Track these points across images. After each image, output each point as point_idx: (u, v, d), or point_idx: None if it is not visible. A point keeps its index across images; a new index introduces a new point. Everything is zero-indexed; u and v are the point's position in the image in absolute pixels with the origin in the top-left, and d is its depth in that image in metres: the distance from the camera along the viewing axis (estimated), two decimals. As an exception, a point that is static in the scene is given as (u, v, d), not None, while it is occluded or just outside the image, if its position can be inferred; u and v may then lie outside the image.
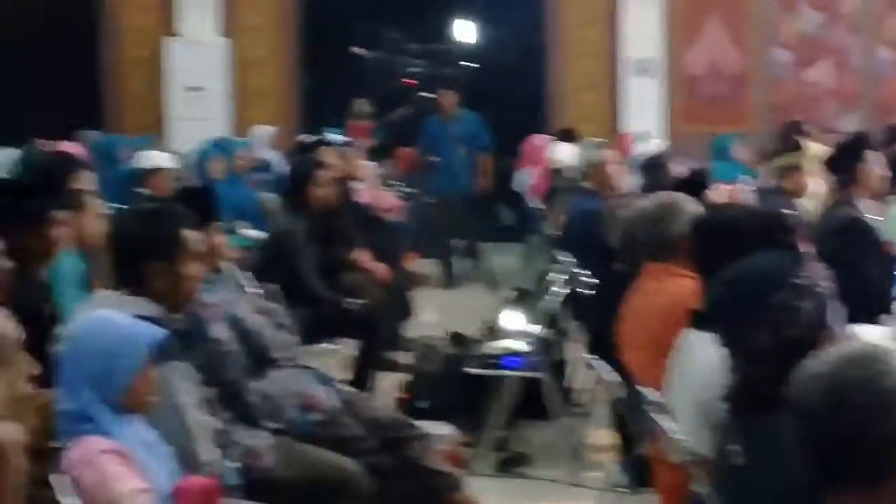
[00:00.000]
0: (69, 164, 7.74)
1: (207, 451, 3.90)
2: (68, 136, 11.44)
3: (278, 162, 12.16)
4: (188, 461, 3.74)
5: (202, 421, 3.95)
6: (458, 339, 7.52)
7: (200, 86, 14.50)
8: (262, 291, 5.86)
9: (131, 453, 3.38)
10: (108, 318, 3.59)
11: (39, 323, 3.84)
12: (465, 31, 15.55)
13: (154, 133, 13.68)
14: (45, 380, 3.46)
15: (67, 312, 5.18)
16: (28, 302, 4.29)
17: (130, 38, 14.87)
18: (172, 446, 3.67)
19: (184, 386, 3.89)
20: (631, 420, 4.77)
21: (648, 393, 4.21)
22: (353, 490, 4.43)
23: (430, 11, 15.63)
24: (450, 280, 12.08)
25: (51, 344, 3.58)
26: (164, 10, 14.76)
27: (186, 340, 3.99)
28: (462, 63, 14.57)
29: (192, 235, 4.22)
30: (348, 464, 4.48)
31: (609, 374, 4.92)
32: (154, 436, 3.60)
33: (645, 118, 14.55)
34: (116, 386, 3.44)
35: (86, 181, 6.80)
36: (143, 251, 4.12)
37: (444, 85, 12.93)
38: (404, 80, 14.37)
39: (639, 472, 5.33)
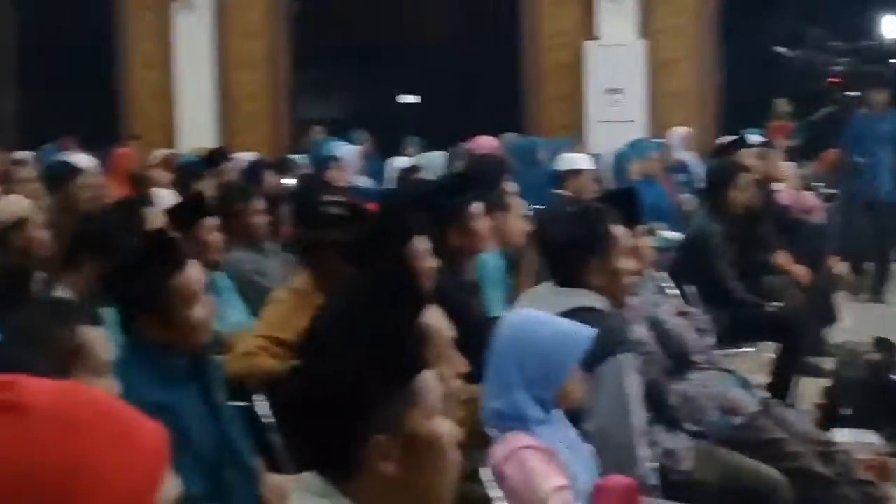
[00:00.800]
0: (492, 165, 7.99)
1: (642, 447, 3.93)
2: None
3: (695, 163, 12.09)
4: (619, 457, 3.79)
5: (643, 415, 4.00)
6: (884, 345, 7.25)
7: (619, 88, 14.60)
8: (680, 293, 5.85)
9: (555, 450, 3.44)
10: (543, 318, 3.64)
11: (468, 320, 3.96)
12: (893, 26, 14.98)
13: (574, 135, 13.87)
14: (471, 376, 3.56)
15: (492, 310, 5.35)
16: (456, 299, 4.44)
17: (552, 42, 15.14)
18: (607, 440, 3.72)
19: (631, 378, 3.95)
20: None
21: None
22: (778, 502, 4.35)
23: (855, 8, 15.16)
24: (877, 284, 11.65)
25: (479, 341, 3.67)
26: (585, 15, 14.94)
27: (616, 336, 4.03)
28: (891, 60, 14.05)
29: (621, 231, 4.30)
30: (775, 475, 4.40)
31: None
32: (577, 435, 3.66)
33: None
34: (551, 385, 3.50)
35: (507, 182, 6.98)
36: (580, 250, 4.21)
37: (874, 83, 12.46)
38: (829, 78, 14.00)
39: None
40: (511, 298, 5.58)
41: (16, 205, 6.29)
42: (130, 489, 1.39)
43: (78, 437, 1.38)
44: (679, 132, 13.11)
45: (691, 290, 6.72)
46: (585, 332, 3.54)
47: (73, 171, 8.34)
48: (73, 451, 1.37)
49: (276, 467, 3.99)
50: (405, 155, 12.60)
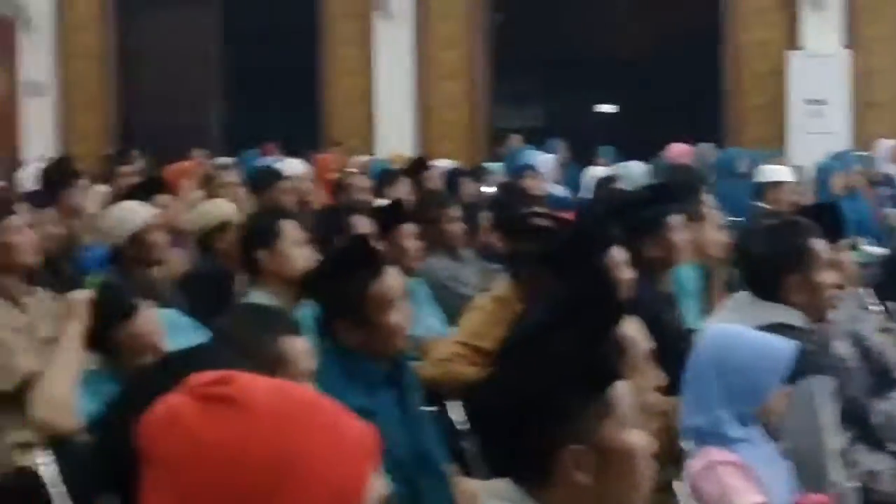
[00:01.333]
0: (688, 176, 7.91)
1: (837, 471, 3.85)
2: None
3: (902, 177, 11.79)
4: (813, 478, 3.71)
5: (837, 440, 3.91)
6: None
7: (822, 98, 14.31)
8: (883, 309, 5.70)
9: (753, 467, 3.38)
10: (744, 333, 3.59)
11: (665, 333, 3.92)
12: None
13: (775, 146, 13.64)
14: (668, 388, 3.52)
15: (688, 322, 5.28)
16: (653, 311, 4.40)
17: (754, 51, 14.93)
18: (800, 460, 3.65)
19: (825, 402, 3.87)
20: None
21: None
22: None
23: None
24: None
25: (676, 354, 3.63)
26: (788, 24, 14.70)
27: (814, 356, 3.96)
28: None
29: (822, 245, 4.23)
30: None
31: None
32: (775, 451, 3.59)
33: None
34: (754, 402, 3.44)
35: (705, 193, 6.90)
36: (778, 264, 4.15)
37: None
38: None
39: None
40: (706, 311, 5.51)
41: (219, 208, 6.46)
42: (339, 483, 1.43)
43: (291, 431, 1.43)
44: (885, 144, 12.80)
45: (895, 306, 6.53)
46: (789, 348, 3.47)
47: (276, 175, 8.52)
48: (287, 444, 1.42)
49: (468, 473, 4.01)
50: (598, 164, 12.56)
